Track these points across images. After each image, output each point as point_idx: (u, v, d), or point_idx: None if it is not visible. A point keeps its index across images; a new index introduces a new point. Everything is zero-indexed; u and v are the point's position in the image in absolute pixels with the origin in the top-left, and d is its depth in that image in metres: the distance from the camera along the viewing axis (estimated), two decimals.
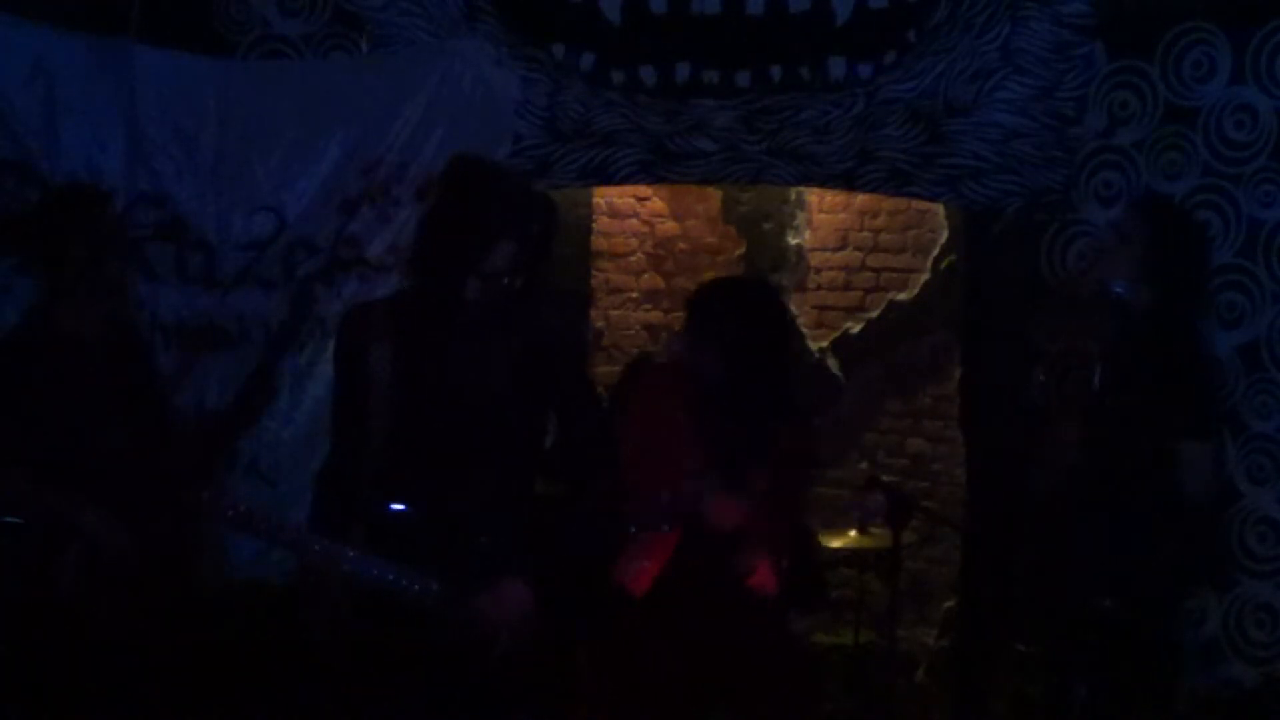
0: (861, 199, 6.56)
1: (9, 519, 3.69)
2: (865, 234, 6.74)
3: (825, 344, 6.73)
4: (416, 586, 2.95)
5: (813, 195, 6.70)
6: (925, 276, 6.55)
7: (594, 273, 6.84)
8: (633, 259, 6.93)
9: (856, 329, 6.71)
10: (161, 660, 3.64)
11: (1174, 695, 3.95)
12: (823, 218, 6.82)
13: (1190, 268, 3.83)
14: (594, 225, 6.78)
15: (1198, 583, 3.90)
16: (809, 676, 4.09)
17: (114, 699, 3.56)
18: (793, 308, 6.72)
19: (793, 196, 6.79)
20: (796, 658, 3.95)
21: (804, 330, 6.73)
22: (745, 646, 3.72)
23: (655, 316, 6.93)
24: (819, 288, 6.81)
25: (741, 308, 3.78)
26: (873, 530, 5.43)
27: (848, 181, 4.95)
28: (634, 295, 6.93)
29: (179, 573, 3.69)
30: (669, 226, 6.93)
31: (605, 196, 6.72)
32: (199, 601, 3.81)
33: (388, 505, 2.98)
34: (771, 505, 3.76)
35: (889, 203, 6.46)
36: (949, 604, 6.12)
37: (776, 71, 4.72)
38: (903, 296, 6.62)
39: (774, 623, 3.81)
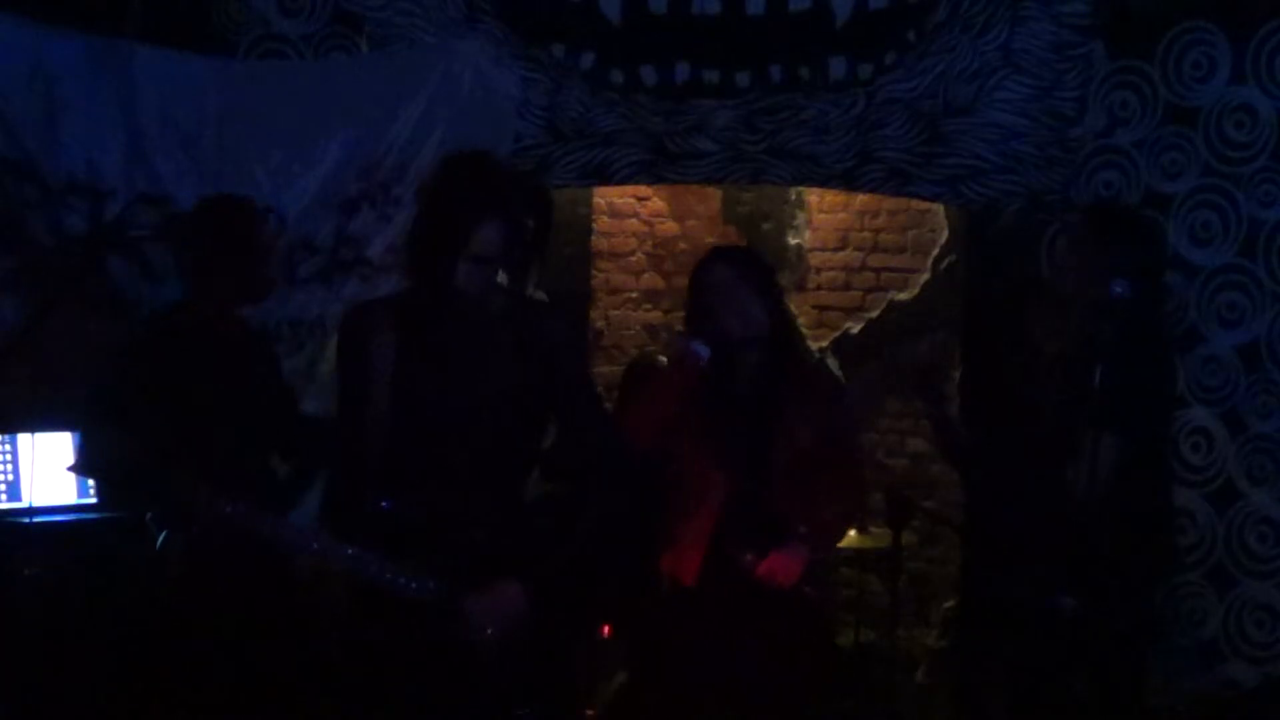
0: (861, 199, 6.56)
1: (64, 517, 3.99)
2: (865, 234, 6.74)
3: (825, 344, 6.73)
4: (415, 585, 2.95)
5: (813, 195, 6.70)
6: (925, 276, 6.55)
7: (594, 273, 6.83)
8: (633, 259, 6.93)
9: (856, 329, 6.71)
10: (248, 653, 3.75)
11: (1142, 692, 3.95)
12: (823, 218, 6.82)
13: (1148, 264, 3.83)
14: (594, 225, 6.77)
15: (1152, 579, 3.89)
16: (831, 673, 4.07)
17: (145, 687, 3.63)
18: (792, 308, 6.74)
19: (793, 196, 6.79)
20: (821, 653, 3.94)
21: (804, 330, 6.74)
22: (777, 641, 3.71)
23: (655, 316, 6.93)
24: (819, 288, 6.81)
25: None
26: (873, 530, 5.43)
27: (848, 181, 4.96)
28: (634, 295, 6.93)
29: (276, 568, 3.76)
30: (669, 226, 6.93)
31: (605, 196, 6.71)
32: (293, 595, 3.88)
33: (381, 503, 2.99)
34: (802, 486, 3.73)
35: (889, 203, 6.46)
36: (949, 604, 6.13)
37: (776, 71, 4.72)
38: (903, 296, 6.62)
39: (806, 619, 3.79)
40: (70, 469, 3.47)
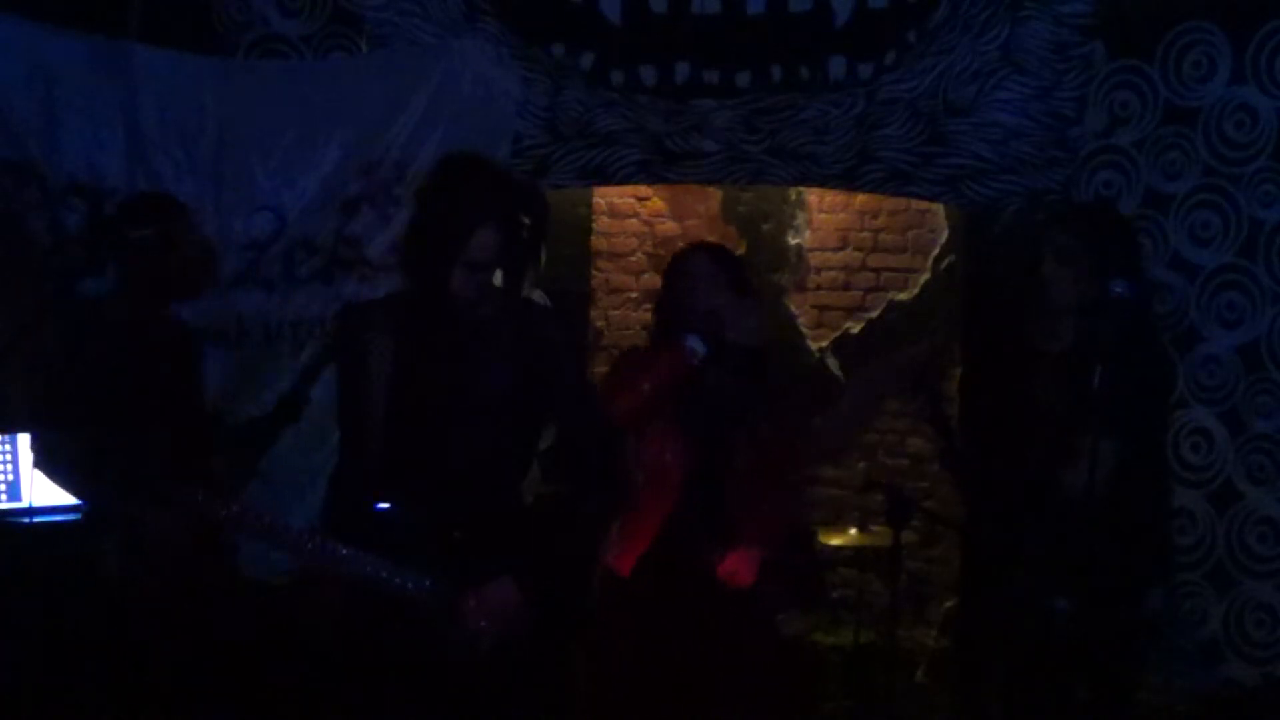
0: (861, 199, 6.56)
1: (64, 517, 3.92)
2: (865, 234, 6.74)
3: (825, 344, 6.73)
4: (411, 584, 2.96)
5: (813, 195, 6.70)
6: (925, 276, 6.55)
7: (594, 273, 6.84)
8: (633, 259, 6.93)
9: (856, 329, 6.71)
10: (197, 649, 3.73)
11: (1133, 694, 3.96)
12: (823, 218, 6.82)
13: (1135, 263, 3.83)
14: (594, 225, 6.78)
15: (1148, 581, 3.90)
16: (791, 671, 4.08)
17: (132, 686, 3.61)
18: (792, 308, 6.74)
19: (793, 196, 6.79)
20: (776, 652, 3.95)
21: (804, 330, 6.74)
22: (720, 637, 3.72)
23: None
24: (819, 288, 6.81)
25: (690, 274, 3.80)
26: (873, 530, 5.44)
27: (848, 181, 4.96)
28: (634, 295, 6.93)
29: (216, 566, 3.74)
30: (669, 226, 6.93)
31: (605, 196, 6.72)
32: (234, 595, 3.86)
33: (377, 504, 2.99)
34: (754, 491, 3.75)
35: (889, 203, 6.46)
36: (949, 604, 6.13)
37: (776, 71, 4.72)
38: (903, 296, 6.62)
39: (751, 615, 3.80)
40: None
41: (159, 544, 3.57)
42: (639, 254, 6.92)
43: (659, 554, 3.70)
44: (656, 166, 4.88)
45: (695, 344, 3.71)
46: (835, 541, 5.41)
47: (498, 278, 3.03)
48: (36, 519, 4.13)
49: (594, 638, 3.70)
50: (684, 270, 3.84)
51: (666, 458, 3.72)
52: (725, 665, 3.72)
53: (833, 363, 6.68)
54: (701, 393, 3.76)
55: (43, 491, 4.18)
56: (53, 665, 3.72)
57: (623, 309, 6.93)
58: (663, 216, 6.93)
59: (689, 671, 3.72)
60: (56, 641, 3.74)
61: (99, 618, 3.63)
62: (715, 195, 6.87)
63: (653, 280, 6.91)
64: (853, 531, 5.46)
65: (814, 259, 6.85)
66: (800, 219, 6.88)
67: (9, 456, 4.22)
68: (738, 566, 3.71)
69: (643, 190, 6.74)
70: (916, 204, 6.26)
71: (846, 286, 6.77)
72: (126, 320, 3.77)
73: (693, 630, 3.70)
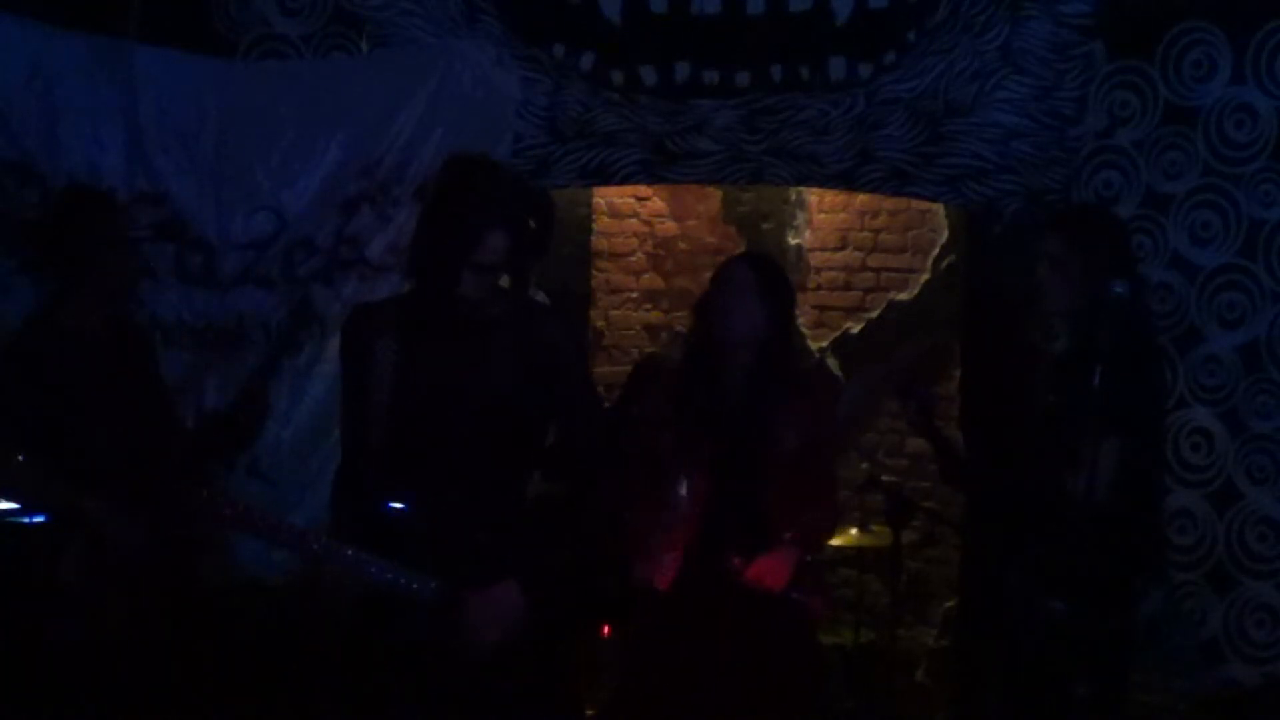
0: (861, 199, 6.56)
1: (21, 518, 3.80)
2: (865, 234, 6.74)
3: (825, 344, 6.73)
4: (415, 585, 2.96)
5: (813, 195, 6.70)
6: (925, 276, 6.55)
7: (594, 273, 6.84)
8: (633, 259, 6.93)
9: (856, 329, 6.71)
10: (163, 656, 3.67)
11: (1130, 693, 3.96)
12: (823, 218, 6.82)
13: (1118, 265, 3.83)
14: (594, 225, 6.78)
15: (1146, 582, 3.89)
16: (818, 676, 4.07)
17: (114, 695, 3.58)
18: None
19: (793, 196, 6.79)
20: (813, 656, 3.94)
21: (804, 330, 6.74)
22: (753, 642, 3.70)
23: (655, 316, 6.93)
24: (819, 288, 6.81)
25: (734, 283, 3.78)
26: (873, 530, 5.44)
27: (848, 181, 4.96)
28: (634, 295, 6.94)
29: (183, 569, 3.72)
30: (669, 226, 6.93)
31: (605, 196, 6.72)
32: (203, 598, 3.84)
33: (387, 504, 2.99)
34: (791, 492, 3.73)
35: (889, 203, 6.46)
36: (949, 604, 6.13)
37: (776, 71, 4.72)
38: (903, 296, 6.62)
39: (789, 619, 3.79)
40: None
41: (121, 549, 3.55)
42: (639, 254, 6.92)
43: (697, 562, 3.68)
44: (656, 166, 4.88)
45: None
46: (835, 541, 5.40)
47: (504, 280, 3.03)
48: (35, 519, 4.12)
49: (641, 647, 3.71)
50: (724, 281, 3.81)
51: (690, 469, 3.70)
52: (765, 670, 3.70)
53: (833, 363, 6.68)
54: (710, 398, 3.74)
55: None
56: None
57: (623, 309, 6.94)
58: (663, 216, 6.94)
59: (731, 679, 3.68)
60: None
61: (64, 621, 3.60)
62: (715, 195, 6.87)
63: (653, 280, 6.92)
64: (853, 531, 5.45)
65: (814, 259, 6.85)
66: (800, 219, 6.88)
67: None
68: (764, 571, 3.65)
69: (643, 190, 6.75)
70: (916, 204, 6.26)
71: (846, 286, 6.77)
72: (70, 326, 3.67)
73: (733, 638, 3.66)
